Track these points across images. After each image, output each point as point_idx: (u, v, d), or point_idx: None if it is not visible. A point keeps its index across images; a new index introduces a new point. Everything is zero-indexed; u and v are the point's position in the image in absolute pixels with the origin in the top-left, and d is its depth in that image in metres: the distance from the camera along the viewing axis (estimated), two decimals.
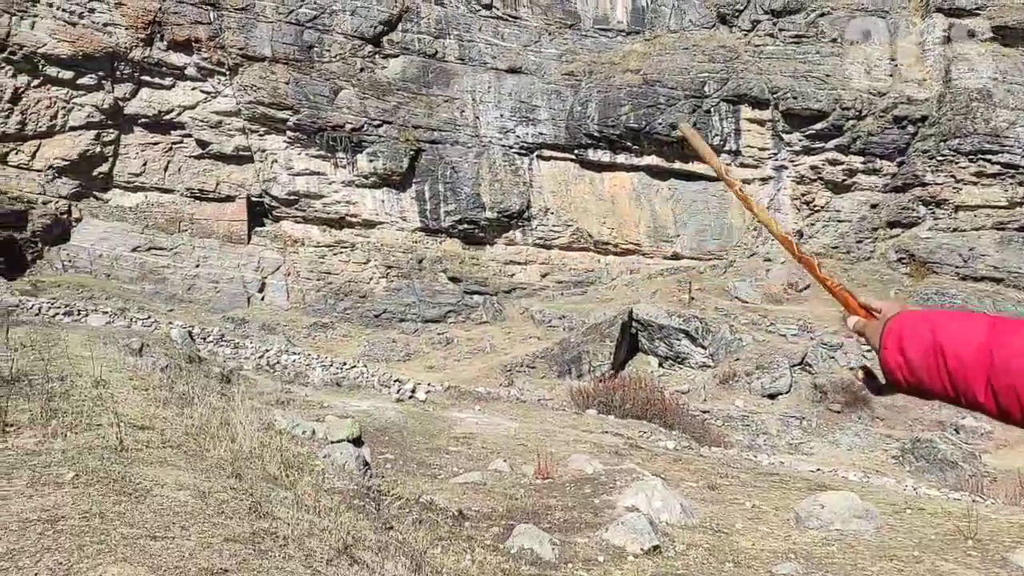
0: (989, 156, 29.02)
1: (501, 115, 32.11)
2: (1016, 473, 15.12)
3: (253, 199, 32.02)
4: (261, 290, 30.71)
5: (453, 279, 31.42)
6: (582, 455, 10.25)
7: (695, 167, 31.69)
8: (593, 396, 19.01)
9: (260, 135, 31.37)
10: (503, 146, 32.21)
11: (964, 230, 29.20)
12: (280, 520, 3.66)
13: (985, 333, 1.37)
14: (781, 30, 31.74)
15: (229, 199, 31.88)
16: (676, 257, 32.08)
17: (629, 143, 31.62)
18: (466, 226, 32.07)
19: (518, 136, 32.22)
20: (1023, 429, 1.34)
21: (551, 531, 6.89)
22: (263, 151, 31.54)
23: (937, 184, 29.68)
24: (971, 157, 29.20)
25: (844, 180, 30.79)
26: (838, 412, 21.66)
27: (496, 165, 32.18)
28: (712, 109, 31.09)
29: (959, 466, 17.72)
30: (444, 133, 31.88)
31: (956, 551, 7.46)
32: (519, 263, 32.60)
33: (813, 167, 30.98)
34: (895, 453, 18.72)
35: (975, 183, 29.31)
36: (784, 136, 30.99)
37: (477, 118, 32.14)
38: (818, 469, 13.87)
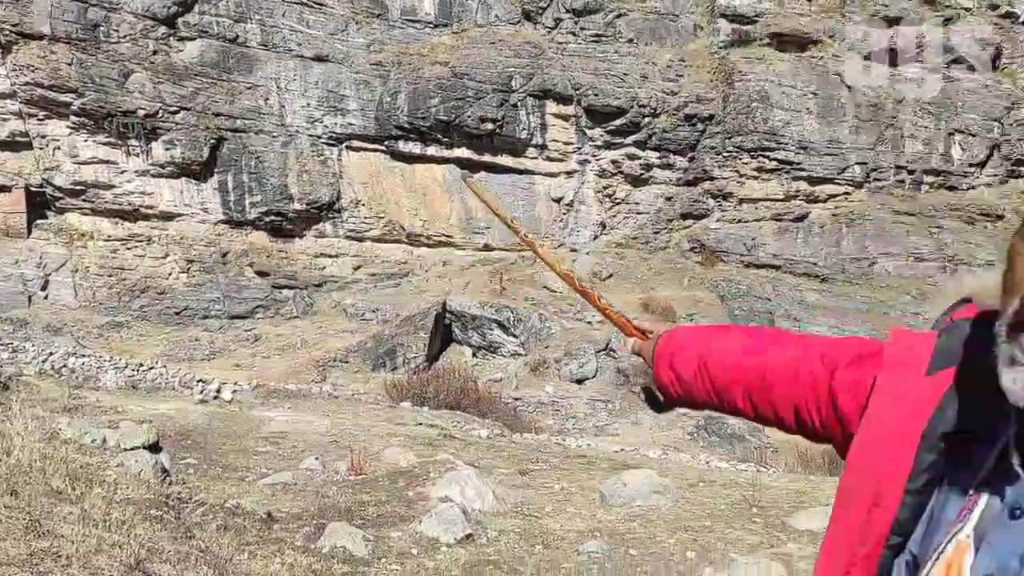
0: (768, 153, 31.62)
1: (308, 104, 31.25)
2: (794, 443, 16.59)
3: (33, 189, 29.30)
4: (44, 288, 28.21)
5: (260, 273, 30.29)
6: (396, 448, 10.23)
7: (504, 160, 32.30)
8: (408, 388, 18.99)
9: (39, 120, 28.76)
10: (311, 136, 31.38)
11: (747, 221, 31.67)
12: (63, 538, 3.39)
13: (741, 348, 1.51)
14: (582, 29, 32.94)
15: (4, 189, 28.99)
16: (488, 248, 32.58)
17: (439, 135, 31.73)
18: (273, 218, 30.99)
19: (326, 126, 31.49)
20: (781, 431, 1.49)
21: (364, 527, 6.83)
22: (43, 137, 28.94)
23: (723, 178, 31.97)
24: (752, 154, 31.70)
25: (642, 174, 32.46)
26: (639, 394, 22.83)
27: (304, 155, 31.30)
28: (519, 103, 31.78)
29: (746, 439, 19.25)
30: (248, 121, 30.61)
31: (742, 519, 8.11)
32: (330, 256, 31.93)
33: (614, 161, 32.44)
34: (690, 430, 20.04)
35: (756, 178, 31.84)
36: (587, 131, 32.22)
37: (283, 106, 31.10)
38: (622, 449, 14.60)
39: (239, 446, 10.16)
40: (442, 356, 26.50)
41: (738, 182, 31.86)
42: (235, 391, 15.41)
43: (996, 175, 32.92)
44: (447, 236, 32.57)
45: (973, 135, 32.49)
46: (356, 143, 31.91)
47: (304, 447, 10.33)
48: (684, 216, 32.39)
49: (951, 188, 32.51)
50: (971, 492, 0.92)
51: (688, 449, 17.76)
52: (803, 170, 31.59)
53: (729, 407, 1.54)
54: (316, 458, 9.50)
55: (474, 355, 27.00)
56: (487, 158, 32.22)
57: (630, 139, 31.94)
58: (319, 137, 31.48)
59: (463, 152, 32.05)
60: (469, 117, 31.26)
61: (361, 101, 31.62)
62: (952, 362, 0.99)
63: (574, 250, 32.10)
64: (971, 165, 32.71)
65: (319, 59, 31.40)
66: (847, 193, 31.98)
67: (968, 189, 32.64)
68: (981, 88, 32.97)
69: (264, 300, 29.59)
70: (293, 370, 23.04)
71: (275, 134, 30.90)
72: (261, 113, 30.80)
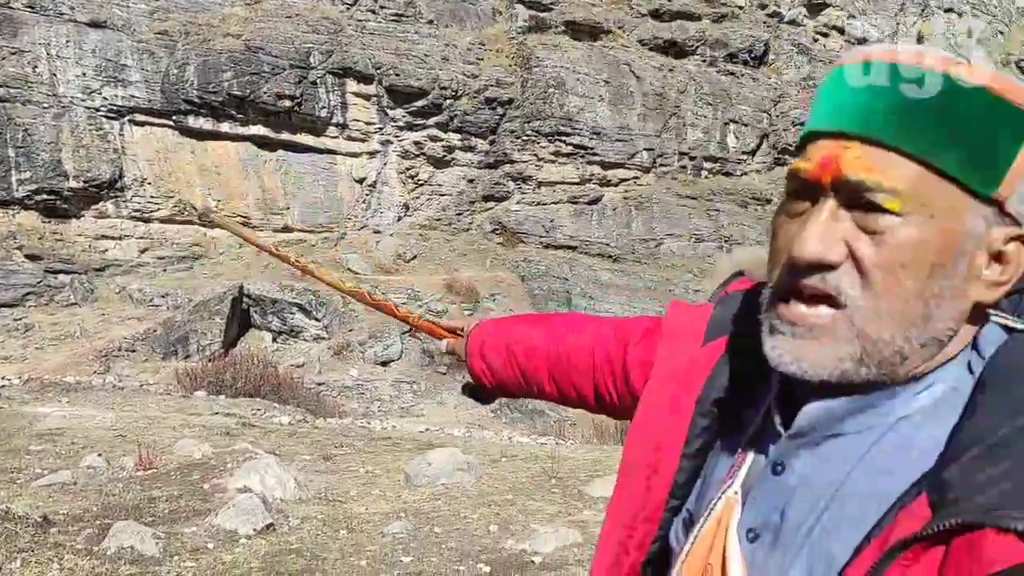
0: (564, 138, 32.75)
1: (84, 73, 28.77)
2: (590, 416, 17.37)
3: None
4: None
5: (31, 257, 27.64)
6: (190, 440, 9.75)
7: (304, 139, 31.39)
8: (202, 377, 18.08)
9: None
10: (88, 108, 28.92)
11: (546, 203, 32.70)
12: None
13: (544, 333, 1.59)
14: (382, 7, 32.51)
15: None
16: (287, 230, 31.57)
17: (233, 111, 30.27)
18: (45, 197, 28.34)
19: (105, 98, 29.14)
20: (585, 410, 1.59)
21: (155, 524, 6.48)
22: None
23: (523, 162, 32.80)
24: (550, 138, 32.71)
25: (444, 156, 32.64)
26: (444, 374, 23.12)
27: (80, 129, 28.81)
28: (318, 81, 30.92)
29: (546, 414, 19.97)
30: (13, 90, 27.73)
31: (542, 490, 8.43)
32: (113, 238, 29.68)
33: (416, 143, 32.37)
34: (493, 408, 20.50)
35: (553, 161, 32.92)
36: (389, 112, 31.91)
37: (54, 75, 28.43)
38: (427, 429, 14.71)
39: (8, 446, 9.29)
40: (240, 342, 25.45)
41: (537, 165, 32.78)
42: (2, 386, 14.06)
43: (765, 162, 36.00)
44: (244, 217, 31.22)
45: (745, 125, 35.31)
46: (140, 117, 29.80)
47: (85, 443, 9.61)
48: (486, 198, 32.93)
49: (727, 174, 35.20)
50: (739, 451, 0.98)
51: (491, 426, 18.20)
52: (596, 155, 32.99)
53: (538, 391, 1.61)
54: (99, 455, 8.87)
55: (274, 340, 26.15)
56: (285, 136, 31.16)
57: (432, 121, 31.98)
58: (97, 110, 29.11)
59: (259, 129, 30.79)
60: (265, 93, 30.05)
61: (145, 72, 29.53)
62: (725, 331, 1.05)
63: (377, 232, 31.81)
64: (744, 153, 35.57)
65: (95, 25, 28.97)
66: (636, 177, 33.77)
67: (741, 175, 35.49)
68: (751, 82, 35.86)
69: (36, 286, 27.06)
70: (72, 361, 21.31)
71: (46, 105, 28.23)
72: (28, 82, 28.02)
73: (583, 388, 1.48)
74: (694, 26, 35.55)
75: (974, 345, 0.86)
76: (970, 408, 0.80)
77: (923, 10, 41.29)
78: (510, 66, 32.92)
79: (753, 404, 1.00)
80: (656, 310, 30.86)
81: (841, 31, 39.30)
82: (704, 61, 35.52)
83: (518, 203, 32.86)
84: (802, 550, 0.85)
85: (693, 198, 33.52)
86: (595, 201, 33.00)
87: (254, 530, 6.57)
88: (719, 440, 1.02)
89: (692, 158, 34.59)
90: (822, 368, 0.83)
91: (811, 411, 0.88)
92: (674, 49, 35.21)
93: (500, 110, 32.54)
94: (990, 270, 0.83)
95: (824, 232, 0.81)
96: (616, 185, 33.49)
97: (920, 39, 42.06)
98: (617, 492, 1.09)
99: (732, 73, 35.56)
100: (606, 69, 33.46)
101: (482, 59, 32.63)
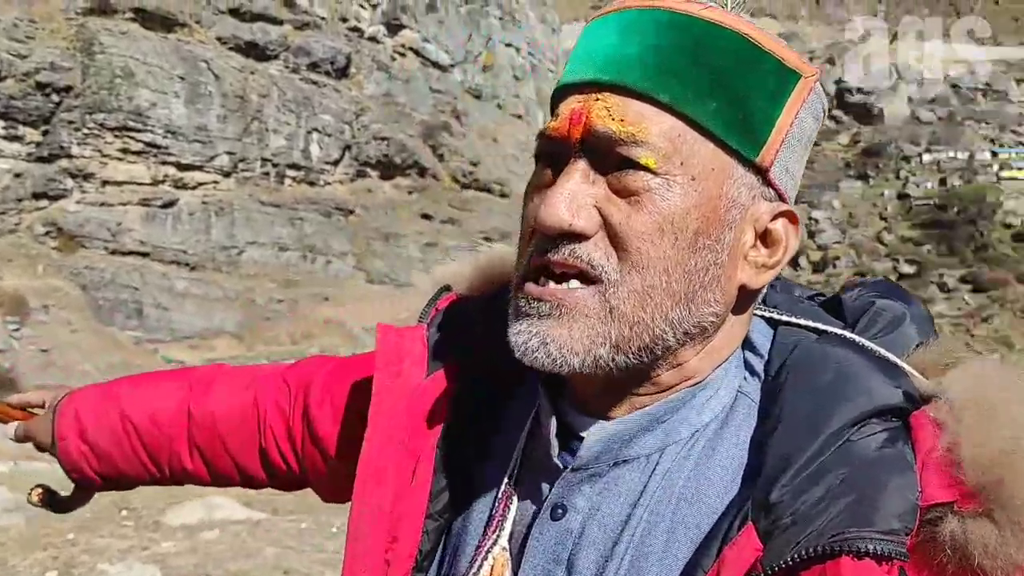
0: (134, 133, 30.23)
1: None
2: None
3: None
4: None
5: None
6: None
7: None
8: None
9: None
10: None
11: (112, 205, 29.88)
12: None
13: (178, 388, 1.19)
14: None
15: None
16: None
17: None
18: None
19: None
20: (252, 488, 1.22)
21: None
22: None
23: (84, 157, 29.61)
24: (116, 133, 29.97)
25: None
26: None
27: None
28: None
29: None
30: None
31: (111, 524, 7.60)
32: None
33: None
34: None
35: (121, 159, 30.22)
36: None
37: None
38: None
39: None
40: None
41: (101, 162, 29.81)
42: None
43: (348, 174, 36.88)
44: None
45: (329, 135, 35.84)
46: None
47: None
48: (37, 196, 29.04)
49: (311, 183, 35.39)
50: (499, 499, 0.78)
51: (44, 456, 16.00)
52: (171, 155, 31.02)
53: (175, 473, 1.19)
54: None
55: None
56: None
57: None
58: None
59: None
60: None
61: None
62: (452, 354, 0.86)
63: None
64: (327, 163, 36.05)
65: None
66: (216, 181, 32.41)
67: (325, 185, 35.92)
68: (334, 93, 36.55)
69: None
70: None
71: None
72: None
73: (244, 457, 1.14)
74: (276, 30, 35.16)
75: (747, 344, 0.77)
76: (769, 417, 0.70)
77: (487, 42, 45.73)
78: (68, 49, 29.41)
79: (505, 432, 0.82)
80: (237, 321, 29.66)
81: (417, 52, 41.79)
82: (287, 67, 35.28)
83: (78, 203, 29.47)
84: None
85: (276, 206, 33.09)
86: (170, 204, 30.93)
87: None
88: (471, 491, 0.82)
89: (275, 165, 34.15)
90: (572, 353, 0.68)
91: (596, 435, 0.73)
92: (255, 51, 34.45)
93: (56, 97, 28.92)
94: (756, 251, 0.73)
95: (572, 196, 0.68)
96: (194, 188, 31.75)
97: (486, 68, 46.47)
98: (346, 572, 0.83)
99: (315, 82, 35.83)
100: (181, 64, 31.57)
101: (33, 38, 28.70)
